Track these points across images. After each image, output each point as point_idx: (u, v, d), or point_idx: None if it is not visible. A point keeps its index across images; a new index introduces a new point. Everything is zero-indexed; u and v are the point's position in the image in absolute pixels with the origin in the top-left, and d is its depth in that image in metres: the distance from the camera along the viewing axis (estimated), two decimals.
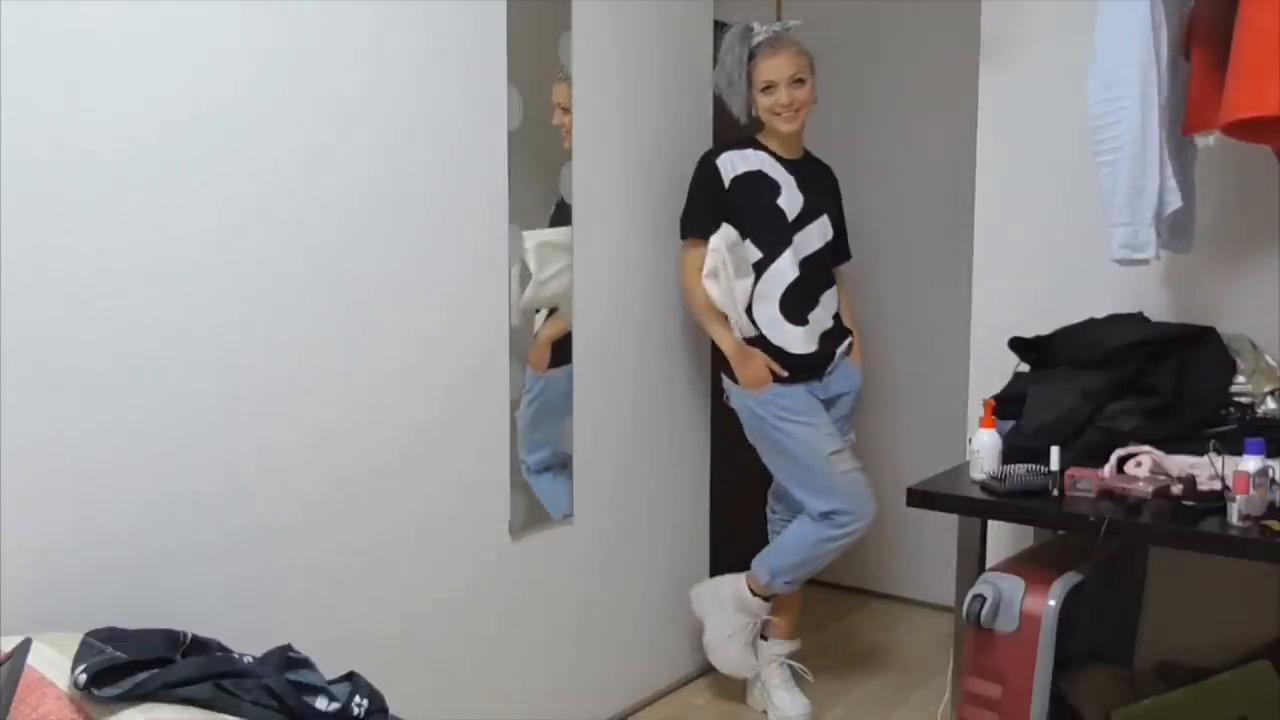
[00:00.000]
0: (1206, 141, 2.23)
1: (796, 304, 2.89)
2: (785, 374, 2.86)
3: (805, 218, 2.91)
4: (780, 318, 2.88)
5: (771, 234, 2.88)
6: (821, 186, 2.99)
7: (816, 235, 2.93)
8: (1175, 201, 2.20)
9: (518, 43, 2.52)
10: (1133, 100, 2.15)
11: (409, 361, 2.35)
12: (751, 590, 2.98)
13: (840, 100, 3.77)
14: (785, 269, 2.88)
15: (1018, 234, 2.78)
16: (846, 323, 3.04)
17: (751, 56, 2.85)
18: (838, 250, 3.04)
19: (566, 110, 2.69)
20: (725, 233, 2.85)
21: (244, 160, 2.00)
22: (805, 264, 2.90)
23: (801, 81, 2.84)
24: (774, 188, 2.90)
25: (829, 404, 2.95)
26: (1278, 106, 1.94)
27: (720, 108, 3.21)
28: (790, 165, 2.93)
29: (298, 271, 2.11)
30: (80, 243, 1.78)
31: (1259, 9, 1.97)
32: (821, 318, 2.94)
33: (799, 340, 2.89)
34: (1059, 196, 2.69)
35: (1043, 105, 2.71)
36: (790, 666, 3.07)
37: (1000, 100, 2.78)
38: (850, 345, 3.01)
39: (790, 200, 2.90)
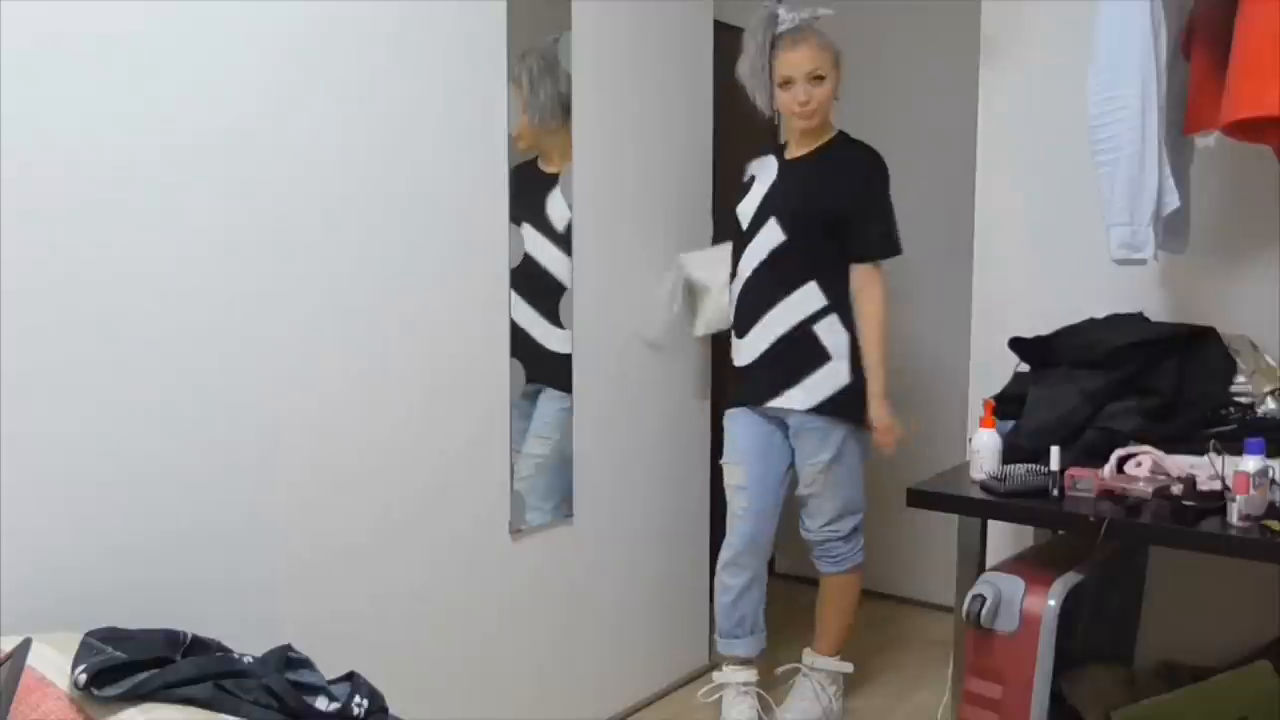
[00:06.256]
0: (1206, 142, 2.23)
1: (742, 315, 2.80)
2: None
3: (758, 221, 2.75)
4: (733, 328, 2.85)
5: (735, 242, 2.85)
6: (822, 181, 2.72)
7: (763, 241, 2.73)
8: (1174, 202, 2.20)
9: (518, 43, 2.53)
10: (1132, 100, 2.15)
11: (409, 361, 2.35)
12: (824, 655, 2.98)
13: (839, 100, 3.76)
14: (739, 278, 2.81)
15: (1018, 234, 2.78)
16: (869, 360, 2.69)
17: (773, 46, 2.68)
18: (855, 247, 2.70)
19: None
20: (693, 255, 2.91)
21: (244, 162, 2.00)
22: (754, 274, 2.76)
23: (820, 78, 2.67)
24: (745, 192, 2.82)
25: (787, 432, 2.82)
26: (1278, 107, 1.94)
27: (720, 108, 3.21)
28: (789, 164, 2.78)
29: (297, 271, 2.11)
30: (79, 243, 1.78)
31: (1259, 9, 1.97)
32: (767, 331, 2.73)
33: (739, 351, 2.81)
34: (1059, 196, 2.69)
35: (1043, 105, 2.71)
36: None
37: (1000, 100, 2.79)
38: (831, 402, 2.69)
39: (749, 204, 2.78)
